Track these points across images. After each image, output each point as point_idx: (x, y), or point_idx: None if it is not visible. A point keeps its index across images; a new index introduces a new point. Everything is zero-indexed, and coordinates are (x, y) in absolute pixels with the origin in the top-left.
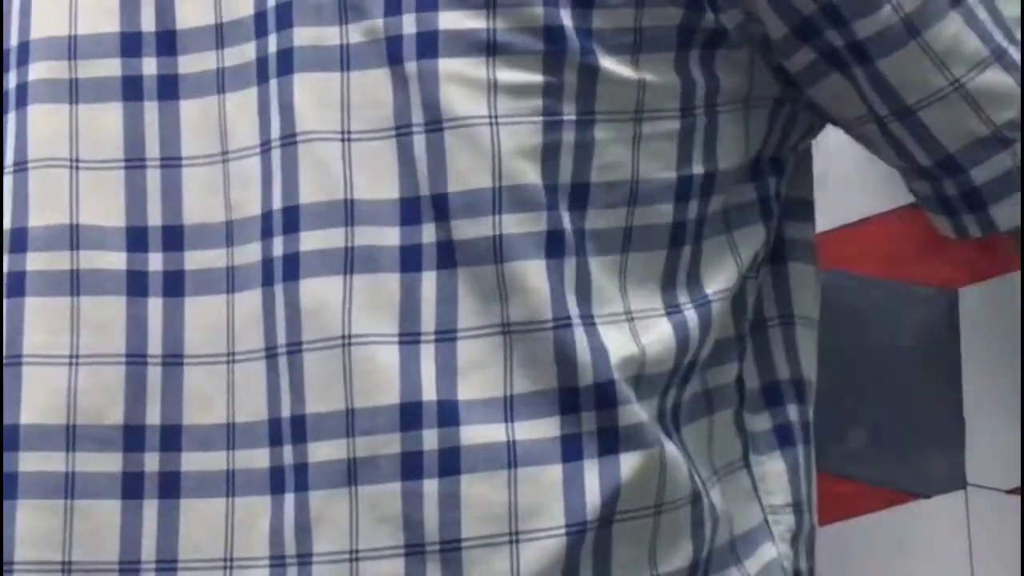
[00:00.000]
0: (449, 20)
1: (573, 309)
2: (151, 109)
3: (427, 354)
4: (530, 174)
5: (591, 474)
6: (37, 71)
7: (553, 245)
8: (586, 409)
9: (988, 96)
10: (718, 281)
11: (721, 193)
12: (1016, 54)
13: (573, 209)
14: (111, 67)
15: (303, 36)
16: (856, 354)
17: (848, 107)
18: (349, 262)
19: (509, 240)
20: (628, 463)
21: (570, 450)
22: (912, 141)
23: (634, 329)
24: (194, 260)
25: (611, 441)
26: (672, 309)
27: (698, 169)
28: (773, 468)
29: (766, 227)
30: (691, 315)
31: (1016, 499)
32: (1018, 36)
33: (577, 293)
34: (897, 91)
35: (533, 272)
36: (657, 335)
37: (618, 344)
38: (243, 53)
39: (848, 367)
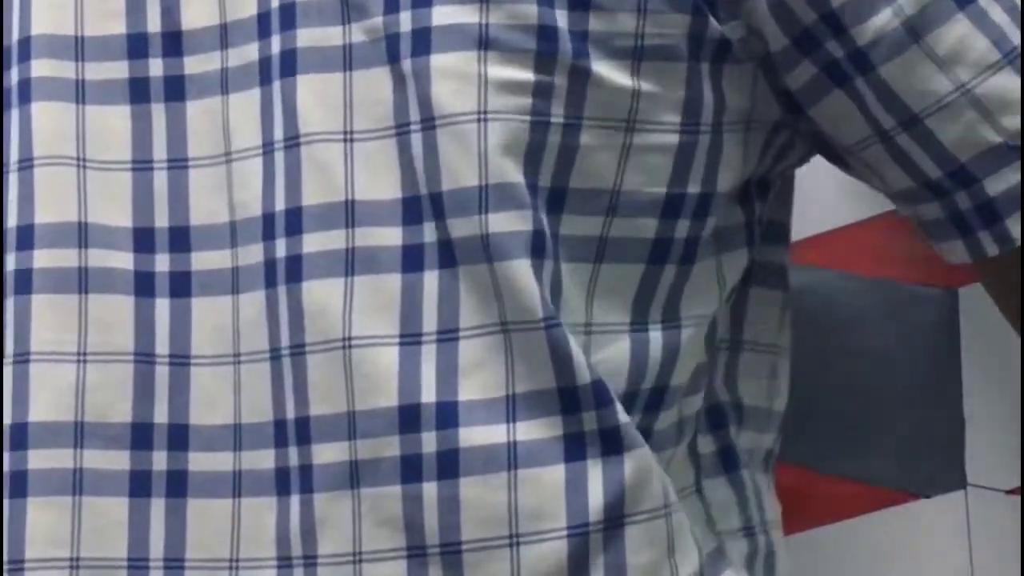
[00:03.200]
0: (442, 15)
1: (555, 310)
2: (158, 111)
3: (428, 355)
4: (514, 172)
5: (594, 475)
6: (40, 68)
7: (537, 245)
8: (586, 409)
9: (999, 102)
10: (699, 306)
11: (716, 215)
12: None
13: (550, 212)
14: (118, 69)
15: (306, 37)
16: (856, 354)
17: (851, 129)
18: (350, 264)
19: (497, 239)
20: (632, 462)
21: (573, 450)
22: (921, 153)
23: (588, 344)
24: (200, 261)
25: (614, 440)
26: (638, 327)
27: (694, 188)
28: (723, 493)
29: (749, 251)
30: (656, 336)
31: (1016, 499)
32: None
33: (552, 296)
34: (902, 99)
35: (522, 271)
36: (609, 354)
37: None
38: (246, 54)
39: (848, 367)
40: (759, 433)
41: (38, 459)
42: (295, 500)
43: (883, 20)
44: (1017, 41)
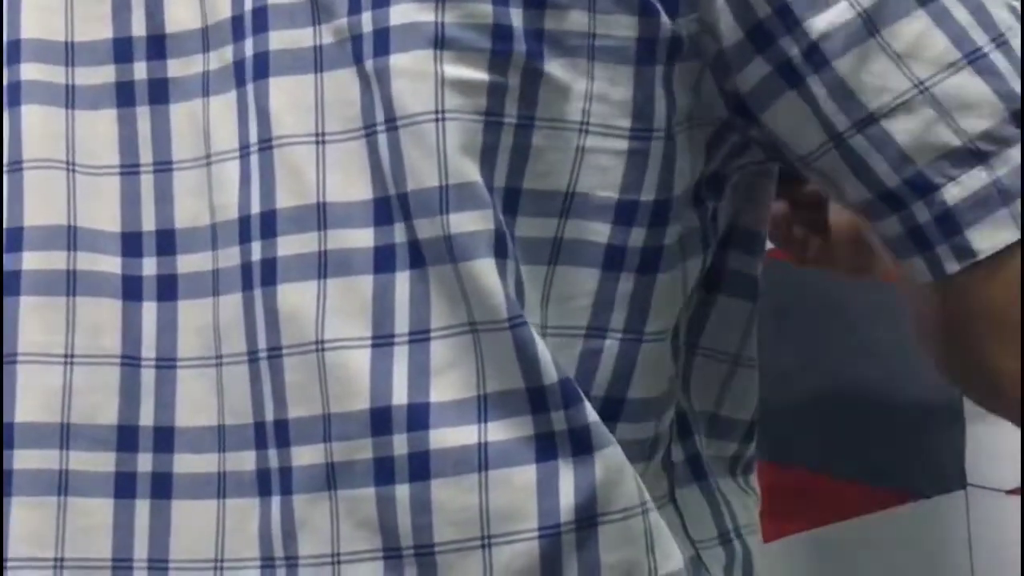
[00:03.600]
0: (399, 14)
1: (520, 309)
2: (143, 114)
3: (400, 356)
4: (473, 172)
5: (565, 474)
6: (29, 72)
7: (500, 244)
8: (555, 408)
9: (958, 102)
10: (663, 319)
11: (677, 222)
12: (1003, 59)
13: (506, 213)
14: (106, 74)
15: (278, 39)
16: (856, 354)
17: (805, 135)
18: (323, 266)
19: (459, 239)
20: (602, 461)
21: (543, 450)
22: (877, 157)
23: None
24: (186, 264)
25: (584, 440)
26: (594, 332)
27: (648, 196)
28: (695, 502)
29: (705, 253)
30: (612, 345)
31: (1016, 499)
32: (1014, 41)
33: (516, 295)
34: (856, 95)
35: (486, 271)
36: (559, 358)
37: None
38: (224, 56)
39: (848, 367)
40: (717, 440)
41: (24, 459)
42: (276, 501)
43: (838, 11)
44: (980, 41)
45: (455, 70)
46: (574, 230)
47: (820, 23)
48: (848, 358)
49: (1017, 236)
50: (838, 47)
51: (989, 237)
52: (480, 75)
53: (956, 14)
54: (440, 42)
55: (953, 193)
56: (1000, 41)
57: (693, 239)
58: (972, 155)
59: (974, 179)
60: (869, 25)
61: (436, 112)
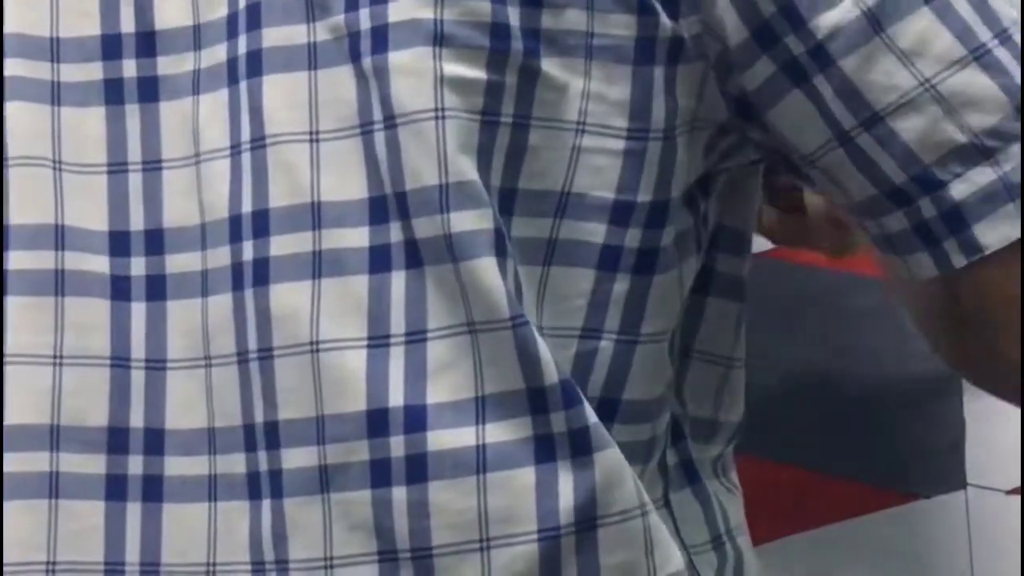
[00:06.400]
0: (398, 11)
1: (521, 308)
2: (132, 112)
3: (396, 357)
4: (472, 171)
5: (564, 476)
6: (14, 67)
7: (500, 243)
8: (555, 409)
9: (964, 99)
10: (662, 320)
11: (673, 224)
12: (1007, 54)
13: (502, 213)
14: (93, 71)
15: (272, 37)
16: (856, 354)
17: (810, 133)
18: (317, 266)
19: (460, 238)
20: (602, 463)
21: (542, 452)
22: (883, 155)
23: None
24: (174, 264)
25: (583, 441)
26: (589, 334)
27: (645, 197)
28: (688, 506)
29: (699, 254)
30: (607, 346)
31: (1016, 499)
32: (1016, 36)
33: (516, 294)
34: (863, 95)
35: (487, 270)
36: (555, 359)
37: None
38: (216, 54)
39: (848, 367)
40: (705, 443)
41: (14, 462)
42: (266, 505)
43: (843, 10)
44: (984, 37)
45: (454, 68)
46: (569, 230)
47: (825, 22)
48: (848, 358)
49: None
50: (843, 46)
51: (996, 232)
52: (478, 73)
53: (960, 10)
54: (439, 39)
55: (960, 189)
56: (1004, 36)
57: (688, 240)
58: (978, 151)
59: (981, 175)
60: (874, 23)
61: (436, 110)
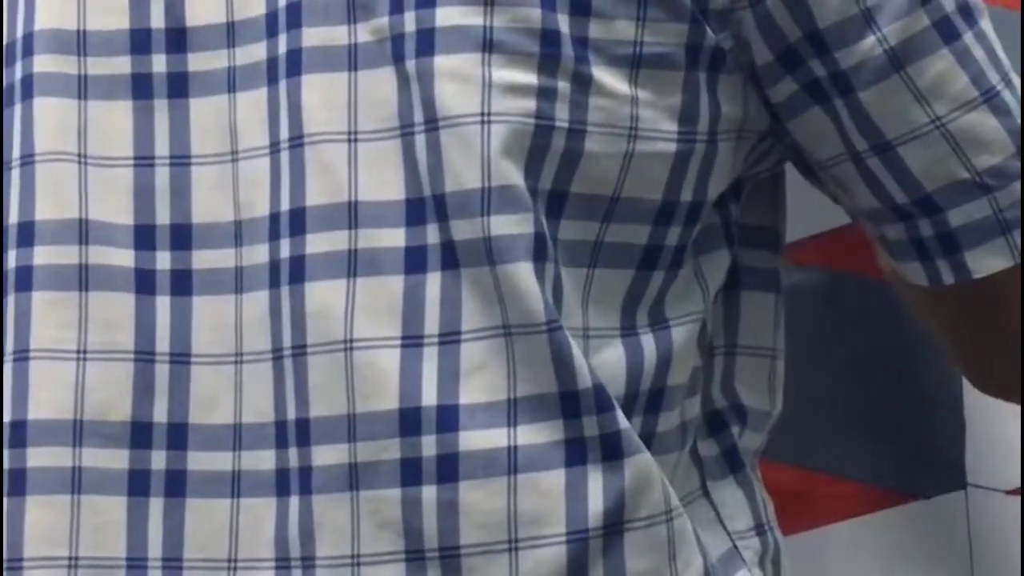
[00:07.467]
0: (446, 16)
1: (557, 313)
2: (160, 107)
3: (430, 357)
4: (516, 175)
5: (595, 480)
6: (42, 63)
7: (539, 248)
8: (587, 413)
9: (971, 139)
10: (682, 306)
11: (703, 222)
12: (1010, 96)
13: (549, 216)
14: (121, 64)
15: (312, 36)
16: (856, 355)
17: (826, 145)
18: (352, 265)
19: (499, 242)
20: (632, 468)
21: (573, 455)
22: (890, 178)
23: (586, 348)
24: (202, 259)
25: (615, 446)
26: (628, 332)
27: (686, 196)
28: (731, 494)
29: (729, 252)
30: (648, 339)
31: (1016, 499)
32: (1015, 79)
33: (554, 299)
34: (877, 124)
35: (524, 274)
36: (605, 358)
37: None
38: (253, 53)
39: (848, 367)
40: (757, 433)
41: (37, 457)
42: (294, 501)
43: (866, 46)
44: (994, 80)
45: (503, 73)
46: (616, 233)
47: (851, 55)
48: (848, 358)
49: (1010, 263)
50: (865, 79)
51: (986, 263)
52: (530, 78)
53: (975, 53)
54: (488, 45)
55: (958, 218)
56: (1007, 80)
57: (713, 236)
58: (979, 187)
59: (979, 210)
60: (895, 62)
61: (482, 115)
